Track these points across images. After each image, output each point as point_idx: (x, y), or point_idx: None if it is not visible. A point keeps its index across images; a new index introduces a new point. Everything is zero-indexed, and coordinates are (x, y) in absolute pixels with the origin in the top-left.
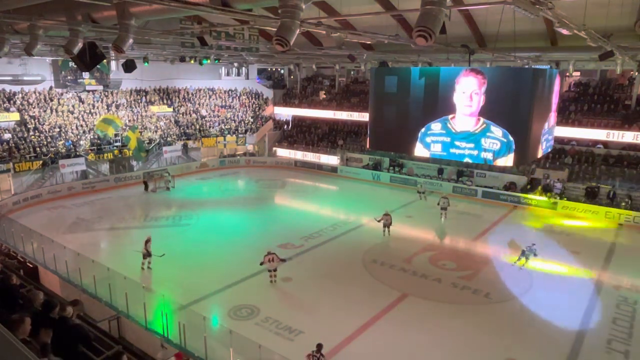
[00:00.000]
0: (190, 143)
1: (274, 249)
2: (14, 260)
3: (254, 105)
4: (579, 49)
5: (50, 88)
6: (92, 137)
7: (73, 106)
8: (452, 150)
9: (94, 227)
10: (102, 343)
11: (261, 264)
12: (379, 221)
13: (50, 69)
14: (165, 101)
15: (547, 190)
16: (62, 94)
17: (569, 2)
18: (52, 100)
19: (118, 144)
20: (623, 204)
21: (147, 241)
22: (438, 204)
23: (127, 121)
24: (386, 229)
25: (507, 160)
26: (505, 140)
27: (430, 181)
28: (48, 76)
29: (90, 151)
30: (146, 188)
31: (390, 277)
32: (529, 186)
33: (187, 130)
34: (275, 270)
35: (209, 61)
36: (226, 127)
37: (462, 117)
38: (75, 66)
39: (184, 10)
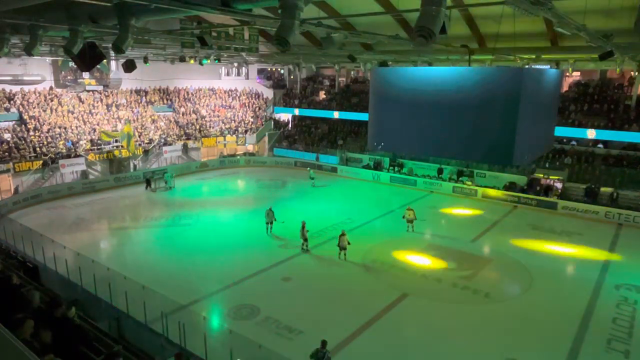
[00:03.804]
0: (190, 143)
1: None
2: (14, 260)
3: (254, 105)
4: (579, 49)
5: (50, 88)
6: (93, 137)
7: (73, 106)
8: None
9: (94, 227)
10: (102, 343)
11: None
12: (338, 245)
13: (50, 69)
14: (165, 101)
15: (547, 190)
16: (62, 94)
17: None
18: (52, 100)
19: (117, 144)
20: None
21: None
22: (403, 217)
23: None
24: (342, 252)
25: None
26: None
27: (430, 181)
28: (48, 76)
29: (90, 151)
30: (147, 187)
31: (390, 277)
32: (525, 187)
33: (187, 130)
34: (306, 240)
35: (208, 61)
36: (226, 127)
37: None
38: (75, 66)
39: (184, 10)
